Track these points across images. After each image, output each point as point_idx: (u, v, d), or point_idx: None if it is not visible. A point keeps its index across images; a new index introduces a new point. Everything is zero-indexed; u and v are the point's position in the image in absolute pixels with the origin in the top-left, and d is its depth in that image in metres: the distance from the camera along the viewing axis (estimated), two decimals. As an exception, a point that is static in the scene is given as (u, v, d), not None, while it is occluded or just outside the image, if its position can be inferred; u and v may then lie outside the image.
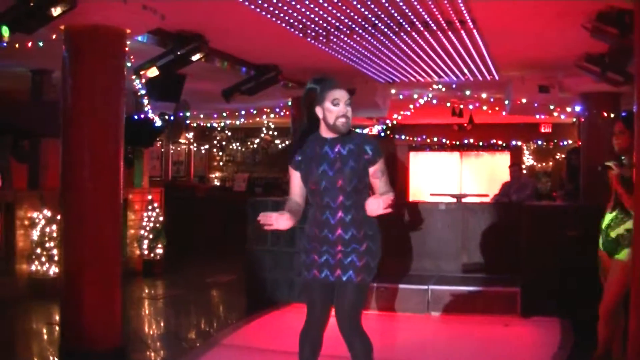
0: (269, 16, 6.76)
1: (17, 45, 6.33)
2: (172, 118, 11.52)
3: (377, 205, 3.70)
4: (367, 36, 7.59)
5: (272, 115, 15.18)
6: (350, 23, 7.10)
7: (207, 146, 20.14)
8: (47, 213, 8.73)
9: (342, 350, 4.02)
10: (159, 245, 10.63)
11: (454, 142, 18.67)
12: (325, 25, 7.18)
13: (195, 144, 19.67)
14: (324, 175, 3.92)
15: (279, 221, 3.79)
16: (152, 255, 10.60)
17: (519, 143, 18.48)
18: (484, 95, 12.16)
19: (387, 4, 6.46)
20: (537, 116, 13.21)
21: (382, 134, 18.26)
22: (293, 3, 6.45)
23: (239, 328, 6.96)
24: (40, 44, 6.40)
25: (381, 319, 7.27)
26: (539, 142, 18.22)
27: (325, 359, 4.21)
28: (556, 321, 6.92)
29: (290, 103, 11.60)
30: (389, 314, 7.43)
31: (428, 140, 18.61)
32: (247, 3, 6.30)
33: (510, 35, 7.65)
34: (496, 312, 7.24)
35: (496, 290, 7.40)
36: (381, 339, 5.57)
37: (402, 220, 8.32)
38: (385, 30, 7.30)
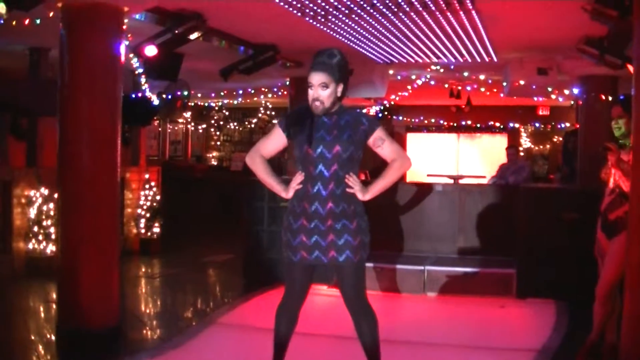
0: (267, -5, 6.73)
1: (14, 23, 6.28)
2: (169, 97, 11.48)
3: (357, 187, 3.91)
4: (365, 16, 7.56)
5: (269, 95, 15.15)
6: (348, 3, 7.06)
7: (204, 126, 20.11)
8: (44, 191, 8.72)
9: (342, 330, 4.04)
10: (156, 225, 10.64)
11: (451, 124, 18.66)
12: (323, 4, 7.14)
13: (192, 124, 19.63)
14: (321, 140, 3.90)
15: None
16: (149, 234, 10.61)
17: (517, 125, 18.48)
18: (482, 77, 12.14)
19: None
20: (535, 98, 13.18)
21: (380, 115, 18.26)
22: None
23: (235, 307, 6.99)
24: (38, 21, 6.34)
25: (377, 299, 7.21)
26: (537, 125, 18.22)
27: (325, 338, 4.23)
28: (551, 303, 6.96)
29: (288, 83, 11.56)
30: (386, 294, 7.46)
31: (425, 122, 18.60)
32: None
33: (509, 17, 7.61)
34: (492, 294, 7.28)
35: (492, 272, 7.43)
36: (378, 318, 5.58)
37: (399, 201, 8.33)
38: (384, 10, 7.26)
